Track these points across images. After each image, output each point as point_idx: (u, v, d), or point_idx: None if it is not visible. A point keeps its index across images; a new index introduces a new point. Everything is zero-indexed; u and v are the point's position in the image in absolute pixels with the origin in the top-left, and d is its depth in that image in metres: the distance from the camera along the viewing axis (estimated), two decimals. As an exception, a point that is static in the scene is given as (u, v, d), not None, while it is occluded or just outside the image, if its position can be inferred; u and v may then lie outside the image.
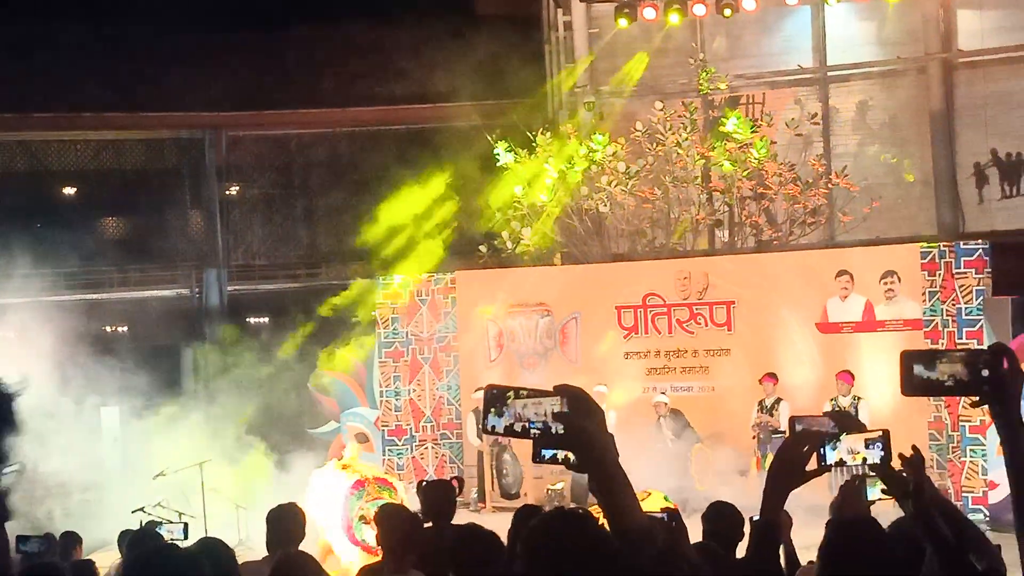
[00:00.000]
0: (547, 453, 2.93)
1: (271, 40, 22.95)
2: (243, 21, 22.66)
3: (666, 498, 12.76)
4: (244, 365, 19.23)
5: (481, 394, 10.73)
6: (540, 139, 19.05)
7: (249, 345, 19.79)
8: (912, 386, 3.08)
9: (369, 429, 18.43)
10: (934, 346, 14.87)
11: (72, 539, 11.06)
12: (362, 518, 12.91)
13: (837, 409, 14.43)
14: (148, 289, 22.98)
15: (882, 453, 3.39)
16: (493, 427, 2.79)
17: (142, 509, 14.82)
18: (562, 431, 2.75)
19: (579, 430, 2.75)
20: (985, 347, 3.12)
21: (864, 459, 3.39)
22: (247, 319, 22.82)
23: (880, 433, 3.42)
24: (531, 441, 2.85)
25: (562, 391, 2.78)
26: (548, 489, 15.66)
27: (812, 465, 3.36)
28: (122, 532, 11.40)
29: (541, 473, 16.04)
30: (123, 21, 22.07)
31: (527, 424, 2.77)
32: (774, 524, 3.25)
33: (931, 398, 15.19)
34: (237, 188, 23.91)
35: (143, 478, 16.01)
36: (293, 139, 23.71)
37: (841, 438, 3.41)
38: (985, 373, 3.01)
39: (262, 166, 23.66)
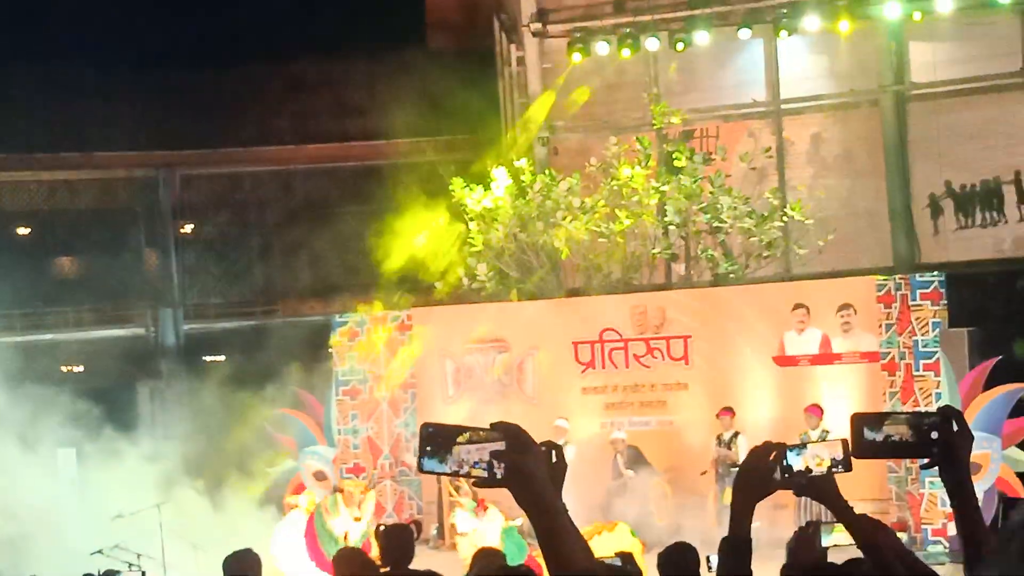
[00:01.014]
0: (432, 467, 2.80)
1: (224, 78, 22.87)
2: (195, 59, 22.60)
3: (633, 532, 12.76)
4: (201, 404, 19.07)
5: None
6: (494, 175, 19.01)
7: (205, 384, 19.64)
8: (863, 449, 3.14)
9: (327, 467, 18.25)
10: (887, 402, 14.90)
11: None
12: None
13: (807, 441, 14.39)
14: (103, 329, 22.75)
15: (842, 459, 3.41)
16: (431, 469, 2.71)
17: (100, 551, 14.65)
18: (502, 471, 2.69)
19: (516, 468, 2.68)
20: (935, 410, 3.19)
21: (829, 466, 3.40)
22: (203, 358, 22.62)
23: (841, 441, 3.44)
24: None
25: (500, 428, 2.71)
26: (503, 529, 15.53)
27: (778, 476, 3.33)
28: (82, 576, 11.25)
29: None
30: (74, 60, 21.95)
31: (471, 466, 2.70)
32: (743, 540, 3.20)
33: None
34: (192, 227, 23.76)
35: (101, 520, 15.83)
36: (247, 177, 23.60)
37: (807, 446, 3.43)
38: (934, 435, 3.05)
39: (216, 204, 23.53)
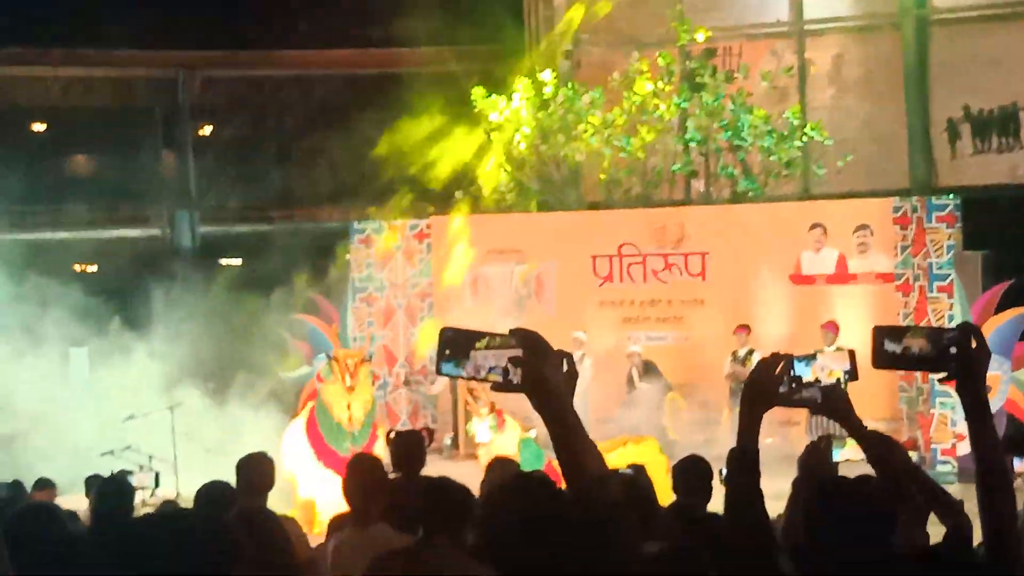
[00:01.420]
0: (450, 371, 2.92)
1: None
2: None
3: (660, 449, 12.90)
4: (215, 307, 19.14)
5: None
6: (517, 86, 18.96)
7: (221, 287, 19.71)
8: (882, 360, 3.18)
9: (342, 373, 18.35)
10: (902, 321, 14.99)
11: (44, 485, 11.02)
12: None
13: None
14: (118, 228, 22.80)
15: (849, 369, 3.49)
16: (448, 373, 2.81)
17: (111, 452, 14.78)
18: (519, 376, 2.77)
19: (534, 374, 2.77)
20: (955, 326, 3.25)
21: (839, 378, 3.48)
22: (219, 261, 22.71)
23: (848, 352, 3.53)
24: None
25: (518, 335, 2.80)
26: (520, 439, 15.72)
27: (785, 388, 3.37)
28: (90, 476, 11.36)
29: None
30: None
31: (488, 370, 2.79)
32: (751, 451, 3.24)
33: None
34: (210, 129, 23.72)
35: (112, 420, 15.94)
36: (267, 80, 23.52)
37: (816, 356, 3.50)
38: (953, 351, 3.10)
39: (235, 107, 23.47)
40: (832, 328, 15.20)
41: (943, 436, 15.07)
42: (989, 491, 3.16)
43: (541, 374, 2.77)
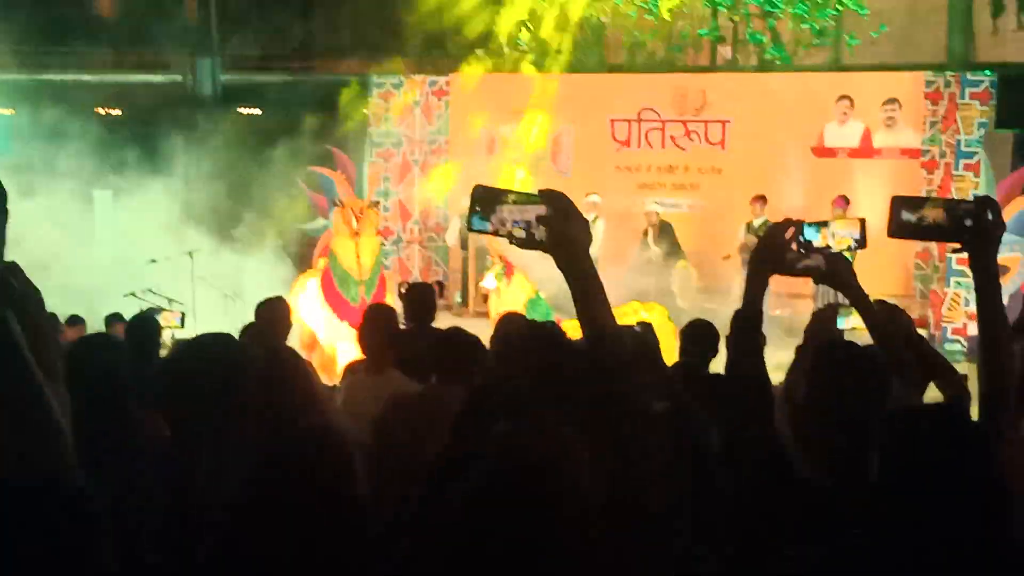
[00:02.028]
0: (481, 226, 2.96)
1: None
2: None
3: (668, 316, 12.94)
4: (235, 155, 19.11)
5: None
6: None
7: (241, 135, 19.63)
8: (899, 228, 3.21)
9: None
10: (924, 195, 14.79)
11: (75, 322, 11.13)
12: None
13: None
14: (140, 73, 22.62)
15: (859, 237, 3.50)
16: (478, 228, 2.84)
17: (133, 294, 14.97)
18: (544, 235, 2.81)
19: (559, 233, 2.81)
20: (971, 198, 3.20)
21: (850, 245, 3.48)
22: (239, 109, 22.54)
23: (859, 220, 3.52)
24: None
25: (546, 195, 2.83)
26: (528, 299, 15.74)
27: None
28: (109, 315, 11.49)
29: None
30: None
31: (511, 226, 2.83)
32: (755, 312, 3.27)
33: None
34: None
35: (135, 263, 16.10)
36: (294, -75, 23.05)
37: (828, 223, 3.49)
38: (968, 223, 3.12)
39: (261, -48, 23.03)
40: (841, 203, 15.04)
41: (955, 315, 15.00)
42: (989, 350, 3.21)
43: (567, 232, 2.82)
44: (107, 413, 3.58)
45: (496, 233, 2.84)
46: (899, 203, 3.21)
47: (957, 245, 3.18)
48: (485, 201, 2.84)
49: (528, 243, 2.84)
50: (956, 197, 14.45)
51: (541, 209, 2.82)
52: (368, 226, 13.35)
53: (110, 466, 3.13)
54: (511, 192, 2.85)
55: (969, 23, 18.73)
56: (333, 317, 13.06)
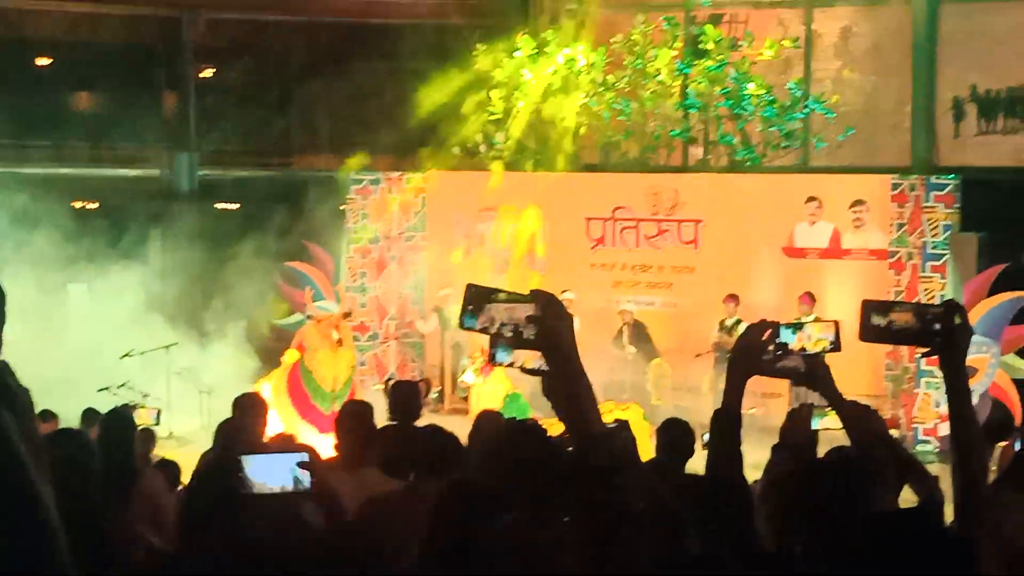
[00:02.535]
0: (502, 358, 3.12)
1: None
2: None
3: (644, 416, 13.01)
4: (213, 251, 19.17)
5: (447, 292, 10.96)
6: (519, 43, 18.90)
7: (217, 231, 19.71)
8: (869, 333, 3.28)
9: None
10: (892, 299, 15.01)
11: (48, 418, 11.07)
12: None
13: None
14: (118, 167, 22.73)
15: (833, 340, 3.58)
16: (468, 326, 2.89)
17: (107, 389, 14.88)
18: (533, 334, 2.85)
19: (550, 332, 2.86)
20: (939, 302, 3.33)
21: (825, 348, 3.56)
22: (216, 205, 22.68)
23: (833, 323, 3.61)
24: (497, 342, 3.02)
25: (537, 295, 2.89)
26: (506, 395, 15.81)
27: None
28: (86, 410, 11.43)
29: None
30: None
31: (500, 326, 2.86)
32: (734, 414, 3.33)
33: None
34: (213, 71, 23.61)
35: (109, 357, 16.02)
36: (273, 25, 23.35)
37: (803, 325, 3.57)
38: (937, 327, 3.19)
39: (239, 50, 23.31)
40: (807, 300, 15.26)
41: (926, 415, 15.14)
42: (962, 453, 3.28)
43: (556, 332, 2.86)
44: (75, 510, 3.60)
45: (485, 331, 2.88)
46: (869, 308, 3.28)
47: (926, 349, 3.24)
48: (476, 299, 2.88)
49: (517, 342, 2.89)
50: (924, 300, 14.74)
51: (531, 308, 2.85)
52: (347, 337, 13.45)
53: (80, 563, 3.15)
54: (502, 291, 2.89)
55: (932, 128, 19.16)
56: (302, 423, 12.99)
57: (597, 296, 17.08)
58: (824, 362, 3.72)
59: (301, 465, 3.37)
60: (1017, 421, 14.27)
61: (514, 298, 2.88)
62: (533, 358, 3.05)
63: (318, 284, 18.35)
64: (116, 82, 23.11)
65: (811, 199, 16.35)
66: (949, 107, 19.23)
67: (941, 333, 3.18)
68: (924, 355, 3.31)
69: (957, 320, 3.19)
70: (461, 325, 2.92)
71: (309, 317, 14.17)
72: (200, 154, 22.70)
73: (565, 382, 2.92)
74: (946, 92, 19.21)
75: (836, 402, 3.82)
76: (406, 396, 7.42)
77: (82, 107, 23.85)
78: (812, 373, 3.68)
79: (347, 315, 14.59)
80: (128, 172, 22.90)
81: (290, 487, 3.35)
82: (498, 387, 14.07)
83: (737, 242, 16.62)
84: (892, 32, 19.50)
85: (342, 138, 20.79)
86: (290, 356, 14.26)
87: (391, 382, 8.32)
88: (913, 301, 14.77)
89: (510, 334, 2.87)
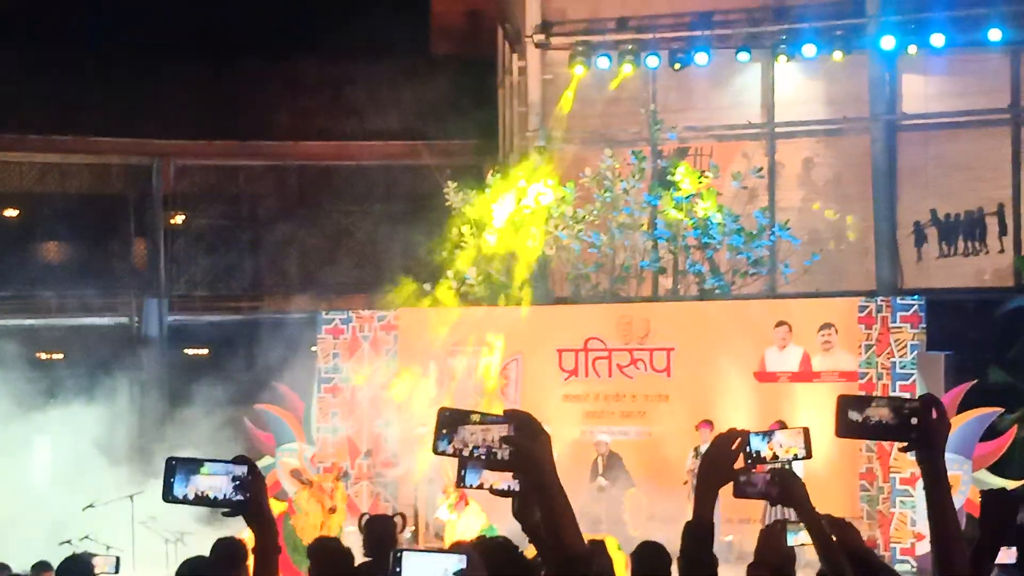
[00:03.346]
0: (471, 480, 3.05)
1: (223, 72, 22.92)
2: (195, 51, 22.64)
3: (619, 546, 12.87)
4: (181, 396, 19.05)
5: (423, 431, 10.81)
6: (490, 181, 19.16)
7: (187, 377, 19.61)
8: (845, 428, 3.21)
9: (304, 465, 18.24)
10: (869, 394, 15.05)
11: (2, 569, 10.80)
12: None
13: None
14: (86, 316, 22.69)
15: (803, 447, 3.53)
16: (442, 451, 2.83)
17: (69, 541, 14.59)
18: (508, 455, 2.79)
19: (526, 452, 2.79)
20: (916, 397, 3.31)
21: (795, 454, 3.51)
22: (186, 350, 22.63)
23: (802, 430, 3.56)
24: (469, 468, 3.00)
25: (511, 415, 2.84)
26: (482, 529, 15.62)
27: (741, 464, 3.46)
28: (37, 562, 11.15)
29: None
30: (73, 43, 21.98)
31: (472, 449, 2.82)
32: (706, 524, 3.30)
33: (863, 449, 15.41)
34: (183, 217, 23.78)
35: (72, 509, 15.77)
36: (242, 171, 23.63)
37: (773, 434, 3.53)
38: (914, 421, 3.15)
39: (209, 196, 23.55)
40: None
41: (903, 535, 15.07)
42: (942, 546, 3.20)
43: (532, 451, 2.79)
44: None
45: (458, 454, 2.82)
46: (845, 403, 3.23)
47: (904, 444, 3.20)
48: (450, 423, 2.82)
49: (491, 463, 2.83)
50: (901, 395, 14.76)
51: (505, 429, 2.80)
52: (340, 501, 13.36)
53: None
54: (475, 413, 2.84)
55: (895, 252, 19.46)
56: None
57: (571, 428, 17.02)
58: (797, 478, 3.69)
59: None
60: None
61: (488, 419, 2.83)
62: (503, 479, 3.01)
63: (288, 425, 18.21)
64: (85, 231, 23.22)
65: (780, 324, 16.45)
66: (911, 231, 19.58)
67: (918, 427, 3.14)
68: (903, 450, 3.27)
69: (934, 414, 3.15)
70: (435, 450, 2.86)
71: (304, 482, 13.99)
72: (170, 299, 22.71)
73: (542, 501, 2.85)
74: (907, 217, 19.59)
75: (808, 517, 3.76)
76: (380, 530, 7.35)
77: (50, 257, 23.89)
78: (786, 490, 3.64)
79: (344, 475, 14.49)
80: (97, 320, 22.86)
81: None
82: (473, 522, 13.91)
83: (709, 369, 16.67)
84: (852, 161, 19.94)
85: (312, 279, 20.88)
86: (273, 507, 14.05)
87: (364, 517, 8.20)
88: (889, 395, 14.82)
89: (483, 457, 2.82)
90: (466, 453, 2.81)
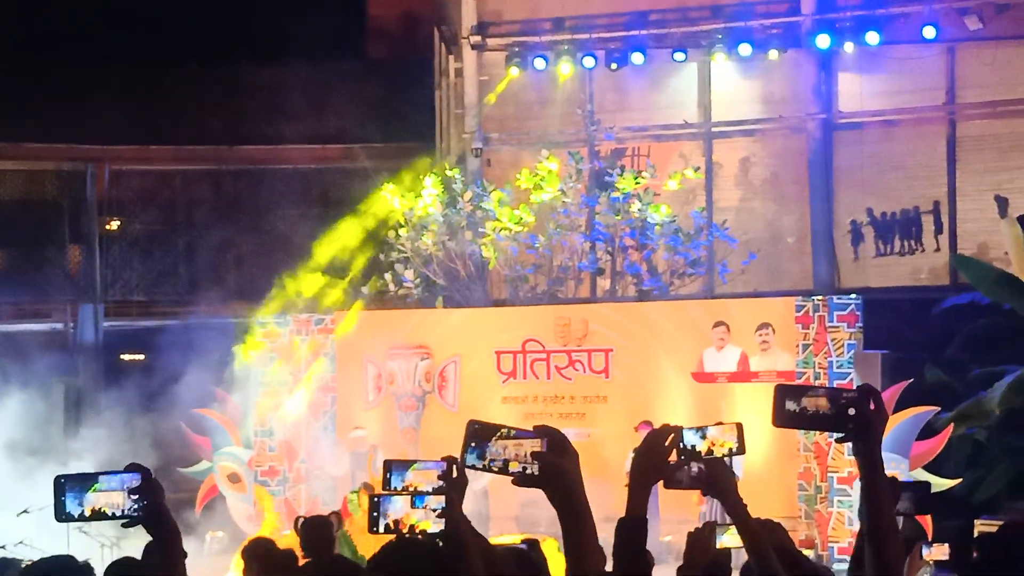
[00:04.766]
0: (396, 483, 3.21)
1: (158, 76, 22.67)
2: (130, 55, 22.39)
3: (559, 548, 12.83)
4: (118, 403, 18.84)
5: (359, 434, 10.85)
6: (426, 183, 19.07)
7: (123, 382, 19.40)
8: (782, 418, 3.21)
9: (242, 469, 18.11)
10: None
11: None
12: None
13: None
14: (20, 322, 22.38)
15: (737, 442, 3.50)
16: (471, 464, 2.89)
17: (3, 547, 14.40)
18: (537, 470, 2.87)
19: (554, 468, 2.87)
20: (854, 387, 3.26)
21: (731, 448, 3.47)
22: (122, 356, 22.36)
23: (735, 425, 3.53)
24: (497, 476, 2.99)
25: (542, 431, 2.91)
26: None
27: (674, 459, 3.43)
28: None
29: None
30: (7, 51, 21.69)
31: (503, 463, 2.88)
32: (639, 521, 3.27)
33: (801, 449, 15.45)
34: (118, 223, 23.50)
35: (7, 515, 15.56)
36: (178, 175, 23.39)
37: (707, 429, 3.49)
38: (851, 412, 3.14)
39: (145, 201, 23.28)
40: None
41: (840, 535, 15.10)
42: (876, 537, 3.19)
43: (560, 468, 2.87)
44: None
45: (488, 469, 2.86)
46: (783, 392, 3.21)
47: (840, 434, 3.19)
48: (479, 437, 2.87)
49: (522, 479, 2.87)
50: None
51: (536, 444, 2.85)
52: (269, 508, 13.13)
53: None
54: (505, 427, 2.88)
55: (832, 251, 19.55)
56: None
57: (510, 431, 16.92)
58: (725, 465, 3.64)
59: None
60: (928, 535, 14.24)
61: (519, 435, 2.88)
62: (427, 482, 3.14)
63: (225, 430, 18.06)
64: (20, 237, 22.94)
65: (718, 324, 16.46)
66: (847, 230, 19.69)
67: (855, 418, 3.13)
68: (839, 440, 3.24)
69: (872, 405, 3.14)
70: (463, 463, 2.92)
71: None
72: (105, 305, 22.45)
73: (567, 518, 2.92)
74: (844, 216, 19.71)
75: (735, 510, 3.70)
76: (316, 531, 7.29)
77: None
78: (713, 478, 3.61)
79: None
80: (32, 326, 22.56)
81: None
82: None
83: (647, 370, 16.66)
84: (789, 160, 20.03)
85: (249, 283, 20.69)
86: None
87: (299, 520, 8.11)
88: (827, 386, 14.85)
89: (518, 469, 2.87)
90: (496, 468, 2.87)
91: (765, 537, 3.95)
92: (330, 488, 17.87)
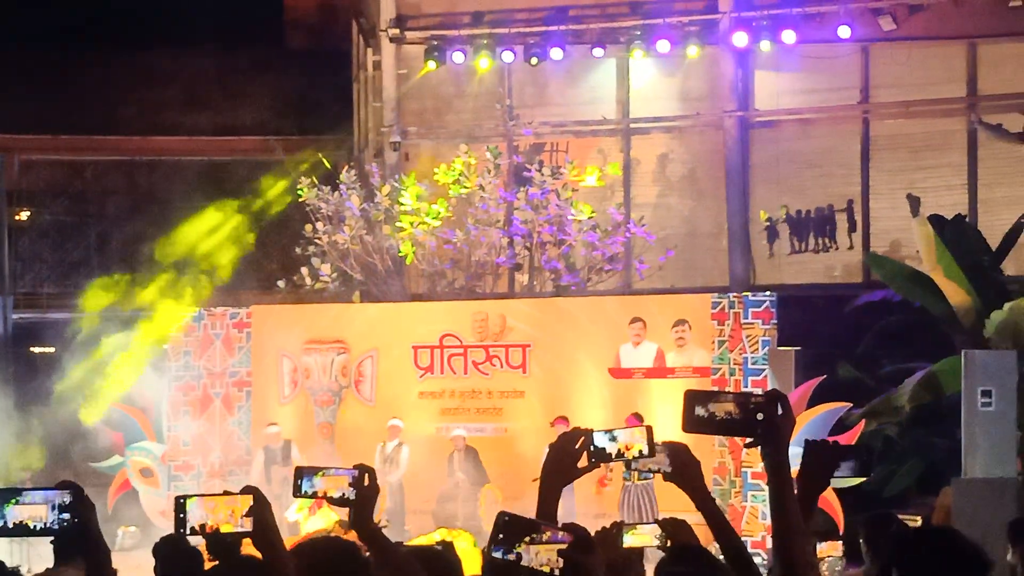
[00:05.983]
0: (307, 488, 3.32)
1: (69, 64, 22.26)
2: (41, 41, 21.95)
3: (474, 543, 12.80)
4: (27, 395, 18.53)
5: (274, 430, 10.71)
6: (344, 176, 18.94)
7: (33, 375, 19.07)
8: (691, 423, 3.26)
9: (155, 464, 17.86)
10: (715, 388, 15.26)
11: None
12: None
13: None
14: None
15: (646, 445, 3.52)
16: (495, 555, 2.92)
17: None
18: (560, 568, 2.91)
19: (577, 566, 2.89)
20: (762, 392, 3.35)
21: (640, 451, 3.49)
22: (31, 348, 21.97)
23: (646, 428, 3.56)
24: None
25: (570, 528, 2.96)
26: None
27: (584, 462, 3.52)
28: None
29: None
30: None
31: (531, 563, 2.92)
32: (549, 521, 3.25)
33: (716, 444, 15.56)
34: (28, 213, 23.07)
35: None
36: (89, 166, 23.01)
37: (617, 432, 3.51)
38: (759, 416, 3.20)
39: (55, 192, 22.89)
40: (635, 421, 15.26)
41: (754, 528, 15.24)
42: (782, 538, 3.25)
43: (585, 566, 2.90)
44: None
45: (510, 564, 2.91)
46: (692, 398, 3.26)
47: (749, 439, 3.25)
48: (511, 531, 2.92)
49: None
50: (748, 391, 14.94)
51: (562, 543, 2.91)
52: None
53: None
54: (538, 525, 2.93)
55: (748, 248, 19.75)
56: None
57: (427, 425, 16.91)
58: (692, 456, 3.63)
59: None
60: (840, 528, 14.47)
61: (546, 539, 2.92)
62: (338, 488, 3.23)
63: (138, 424, 17.79)
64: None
65: (635, 320, 16.52)
66: (763, 228, 19.89)
67: (763, 423, 3.18)
68: (747, 445, 3.28)
69: (779, 410, 3.20)
70: (489, 552, 2.94)
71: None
72: (14, 297, 22.04)
73: None
74: (759, 213, 19.88)
75: (702, 501, 3.66)
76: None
77: None
78: (681, 468, 3.59)
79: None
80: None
81: None
82: (324, 522, 13.71)
83: (565, 365, 16.68)
84: (706, 157, 20.21)
85: (163, 275, 20.39)
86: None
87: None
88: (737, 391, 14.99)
89: (547, 571, 2.91)
90: (522, 565, 2.92)
91: (673, 542, 3.99)
92: (244, 482, 17.68)
